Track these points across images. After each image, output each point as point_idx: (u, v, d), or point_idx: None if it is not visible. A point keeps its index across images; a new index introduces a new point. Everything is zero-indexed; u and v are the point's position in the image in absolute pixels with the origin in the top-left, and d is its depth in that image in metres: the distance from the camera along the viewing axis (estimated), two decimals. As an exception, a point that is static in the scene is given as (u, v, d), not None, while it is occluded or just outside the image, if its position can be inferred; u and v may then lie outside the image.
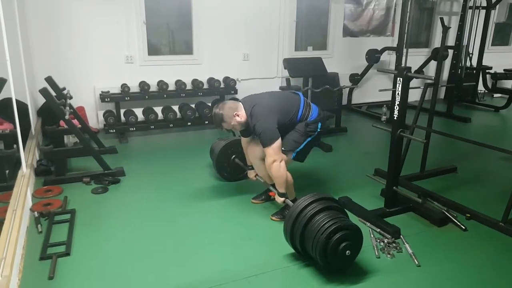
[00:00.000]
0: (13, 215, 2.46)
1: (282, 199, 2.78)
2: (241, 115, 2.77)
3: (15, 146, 3.20)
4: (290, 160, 2.88)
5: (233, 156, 3.54)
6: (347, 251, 2.23)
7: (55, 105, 3.51)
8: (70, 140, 4.37)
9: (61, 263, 2.40)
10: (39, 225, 2.78)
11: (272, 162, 2.68)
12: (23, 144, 3.20)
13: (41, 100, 4.52)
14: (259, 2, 5.77)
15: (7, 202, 2.65)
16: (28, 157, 3.46)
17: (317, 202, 2.35)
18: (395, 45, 6.14)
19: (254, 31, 5.82)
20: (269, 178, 2.98)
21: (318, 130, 2.88)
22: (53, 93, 3.77)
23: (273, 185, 2.87)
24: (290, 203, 2.68)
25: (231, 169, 3.59)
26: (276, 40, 6.04)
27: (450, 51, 6.54)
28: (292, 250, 2.53)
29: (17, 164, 3.22)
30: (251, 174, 3.20)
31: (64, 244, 2.57)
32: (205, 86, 5.51)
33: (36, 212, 2.93)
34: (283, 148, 2.75)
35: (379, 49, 6.40)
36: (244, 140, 3.12)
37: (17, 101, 3.12)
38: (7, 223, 2.33)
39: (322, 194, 2.45)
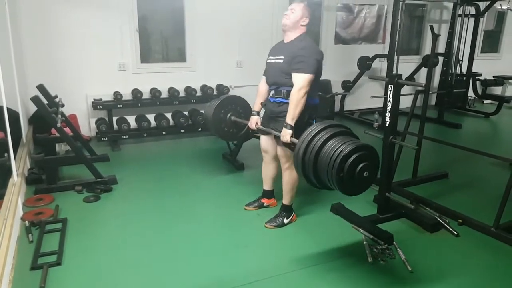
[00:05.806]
0: (3, 224, 2.43)
1: (290, 132, 2.60)
2: (304, 27, 2.90)
3: (6, 154, 3.17)
4: None
5: (229, 114, 3.36)
6: (365, 172, 2.12)
7: (47, 113, 3.49)
8: (62, 148, 4.35)
9: (52, 273, 2.37)
10: (30, 235, 2.75)
11: (300, 88, 2.59)
12: (14, 152, 3.17)
13: (33, 108, 4.51)
14: (252, 9, 5.81)
15: (-3, 211, 2.62)
16: (19, 165, 3.43)
17: (326, 130, 2.21)
18: (386, 52, 6.23)
19: (247, 38, 5.85)
20: (269, 181, 3.16)
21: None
22: (45, 101, 3.75)
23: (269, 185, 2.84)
24: (295, 140, 2.50)
25: (229, 128, 3.40)
26: (269, 47, 6.02)
27: (441, 58, 6.64)
28: (287, 257, 2.53)
29: (8, 172, 3.19)
30: (252, 120, 3.07)
31: (55, 253, 2.55)
32: (198, 93, 5.52)
33: (27, 221, 2.89)
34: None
35: (370, 56, 6.48)
36: (262, 82, 3.14)
37: (8, 109, 3.10)
38: (-3, 233, 2.30)
39: (329, 121, 2.32)
